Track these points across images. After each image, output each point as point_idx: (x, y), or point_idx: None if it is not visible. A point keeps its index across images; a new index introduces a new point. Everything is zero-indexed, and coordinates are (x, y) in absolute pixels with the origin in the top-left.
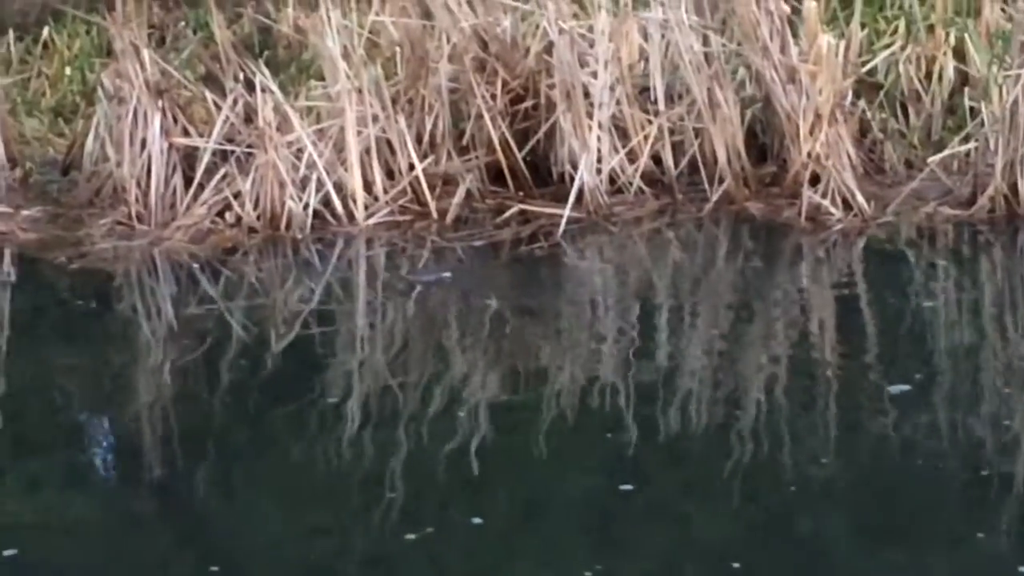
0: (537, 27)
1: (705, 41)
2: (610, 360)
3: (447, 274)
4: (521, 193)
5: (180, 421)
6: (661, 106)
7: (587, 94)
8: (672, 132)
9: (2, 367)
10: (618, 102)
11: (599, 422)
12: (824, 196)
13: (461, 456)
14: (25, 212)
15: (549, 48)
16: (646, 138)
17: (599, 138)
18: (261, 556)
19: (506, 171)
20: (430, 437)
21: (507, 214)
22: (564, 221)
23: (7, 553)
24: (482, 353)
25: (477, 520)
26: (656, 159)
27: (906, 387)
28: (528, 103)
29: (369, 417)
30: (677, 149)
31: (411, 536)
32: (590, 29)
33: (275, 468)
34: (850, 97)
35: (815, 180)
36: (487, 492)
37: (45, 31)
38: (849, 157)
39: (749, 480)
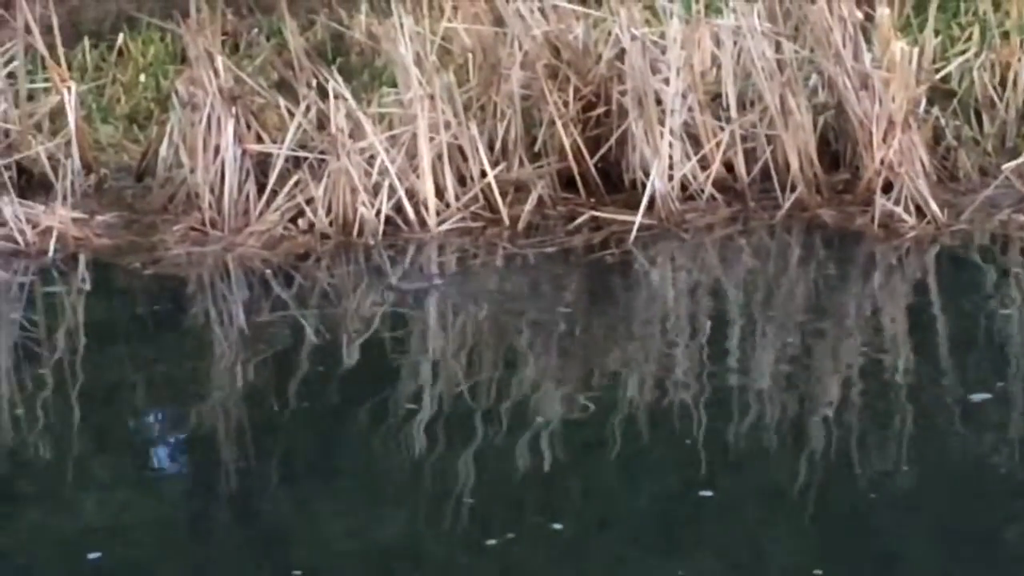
0: (609, 34)
1: (778, 48)
2: (683, 367)
3: (438, 281)
4: (593, 200)
5: (254, 426)
6: (733, 113)
7: (659, 101)
8: (744, 139)
9: (78, 372)
10: (690, 109)
11: (674, 428)
12: (897, 203)
13: (538, 461)
14: (100, 218)
15: (621, 55)
16: (718, 145)
17: (671, 145)
18: (340, 561)
19: (578, 178)
20: (506, 442)
21: (579, 221)
22: (635, 228)
23: (92, 556)
24: (552, 359)
25: (557, 525)
26: (728, 166)
27: (987, 395)
28: (600, 110)
29: (443, 422)
30: (749, 156)
31: (491, 542)
32: (662, 36)
33: (350, 473)
34: (923, 104)
35: (888, 187)
36: (566, 497)
37: (120, 38)
38: (922, 164)
39: (829, 487)
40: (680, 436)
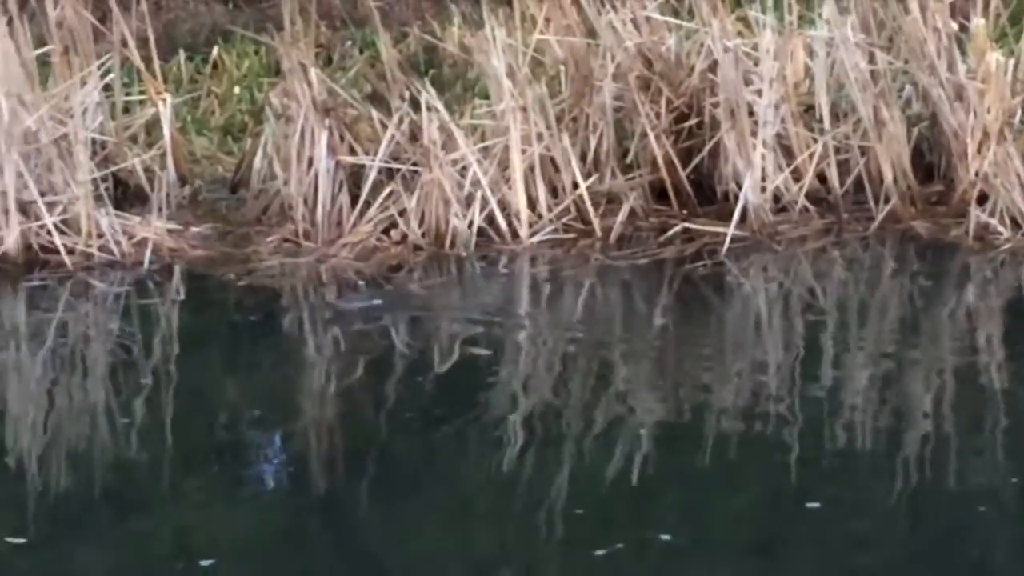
0: (701, 45)
1: (871, 59)
2: (777, 379)
3: (377, 301)
4: (685, 211)
5: (349, 436)
6: (826, 124)
7: (751, 112)
8: (837, 150)
9: (173, 383)
10: (783, 120)
11: (771, 441)
12: (992, 215)
13: (638, 473)
14: (194, 229)
15: (713, 66)
16: (811, 156)
17: (763, 156)
18: (447, 573)
19: (670, 189)
20: (605, 453)
21: (671, 232)
22: (728, 240)
23: (204, 563)
24: (646, 372)
25: (665, 536)
26: (821, 178)
27: None
28: (692, 121)
29: (539, 434)
30: (842, 168)
31: (600, 552)
32: (755, 47)
33: (448, 484)
34: (1019, 115)
35: (983, 199)
36: (671, 508)
37: (215, 51)
38: (1018, 176)
39: (932, 500)
40: (778, 448)
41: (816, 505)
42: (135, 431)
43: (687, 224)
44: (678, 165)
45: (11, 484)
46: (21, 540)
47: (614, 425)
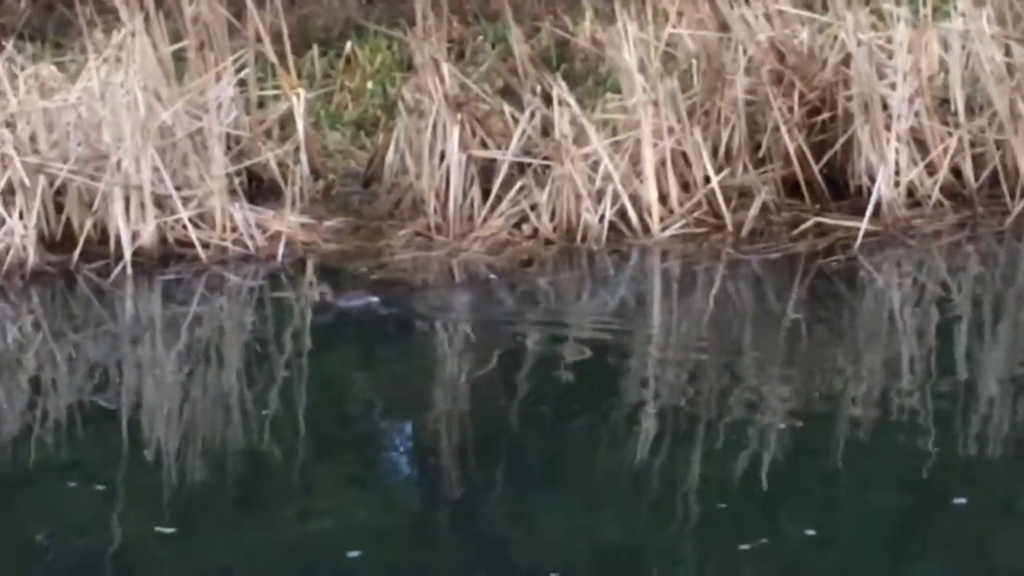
0: (835, 39)
1: (1007, 51)
2: (912, 374)
3: (374, 299)
4: (817, 206)
5: (481, 429)
6: (961, 118)
7: (885, 106)
8: (973, 144)
9: (306, 376)
10: (917, 114)
11: (908, 435)
12: None
13: (781, 468)
14: (327, 223)
15: (847, 60)
16: (945, 150)
17: (897, 150)
18: (591, 567)
19: (802, 183)
20: (741, 448)
21: (803, 227)
22: (861, 234)
23: (351, 554)
24: (779, 366)
25: (810, 531)
26: (956, 172)
27: None
28: (825, 115)
29: (671, 427)
30: (978, 161)
31: (744, 547)
32: (889, 40)
33: (584, 478)
34: None
35: None
36: (816, 503)
37: (348, 46)
38: None
39: None
40: (917, 444)
41: (962, 501)
42: (273, 423)
43: (819, 218)
44: (811, 159)
45: (154, 475)
46: (170, 530)
47: (749, 420)
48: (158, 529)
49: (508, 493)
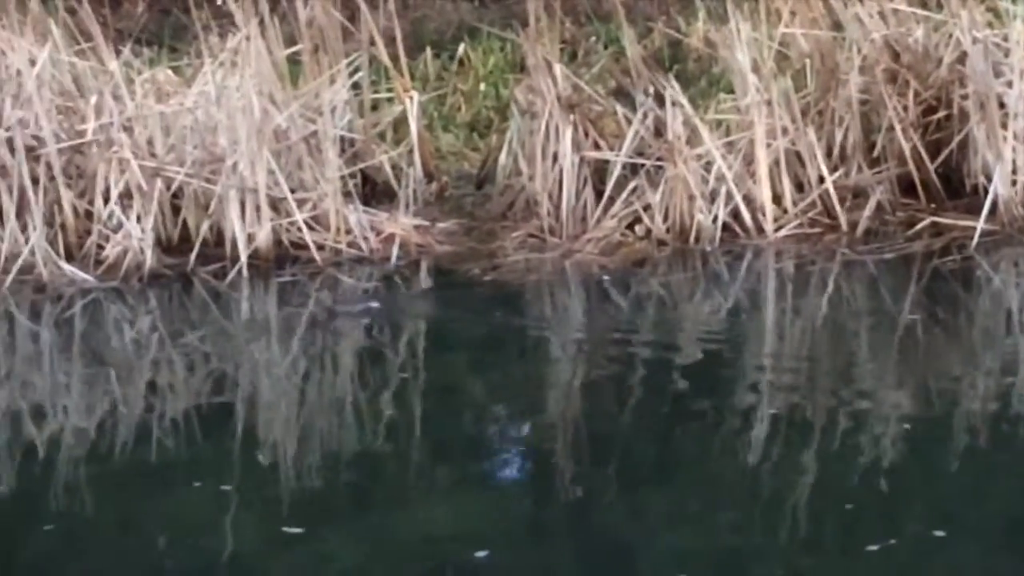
0: (950, 37)
1: None
2: None
3: (375, 304)
4: (933, 205)
5: (594, 431)
6: None
7: (1002, 104)
8: None
9: (421, 377)
10: None
11: None
12: None
13: (905, 468)
14: (441, 225)
15: (962, 58)
16: None
17: (1014, 149)
18: (712, 569)
19: (917, 183)
20: (860, 449)
21: (919, 227)
22: (977, 234)
23: (479, 554)
24: (896, 366)
25: (940, 532)
26: None
27: None
28: (940, 114)
29: (792, 428)
30: None
31: (873, 547)
32: (1005, 38)
33: (701, 480)
34: None
35: None
36: (943, 504)
37: (461, 48)
38: None
39: None
40: None
41: None
42: (390, 424)
43: (935, 218)
44: (926, 158)
45: (276, 476)
46: (297, 530)
47: (867, 421)
48: (285, 529)
49: (628, 494)
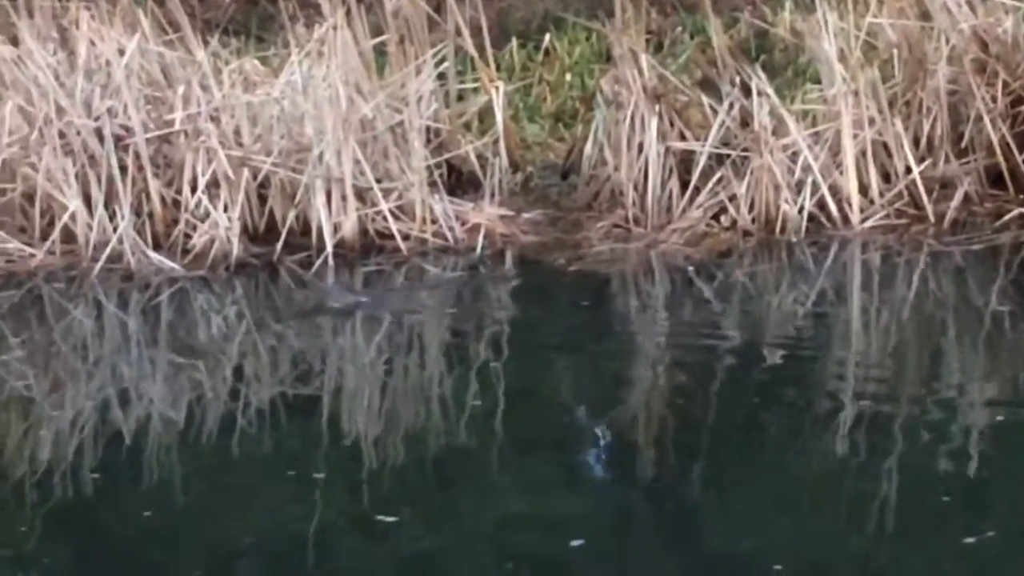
0: None
1: None
2: None
3: (364, 299)
4: (1021, 196)
5: (677, 422)
6: None
7: None
8: None
9: (506, 367)
10: None
11: None
12: None
13: (997, 461)
14: (526, 215)
15: None
16: None
17: None
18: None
19: (1006, 174)
20: (951, 441)
21: (1006, 218)
22: None
23: (574, 543)
24: (983, 357)
25: None
26: None
27: None
28: None
29: (880, 420)
30: None
31: (969, 540)
32: None
33: (792, 474)
34: None
35: None
36: None
37: (546, 38)
38: None
39: None
40: None
41: None
42: (477, 414)
43: (1023, 209)
44: (1014, 149)
45: (366, 463)
46: (391, 518)
47: (956, 413)
48: (380, 517)
49: (718, 485)
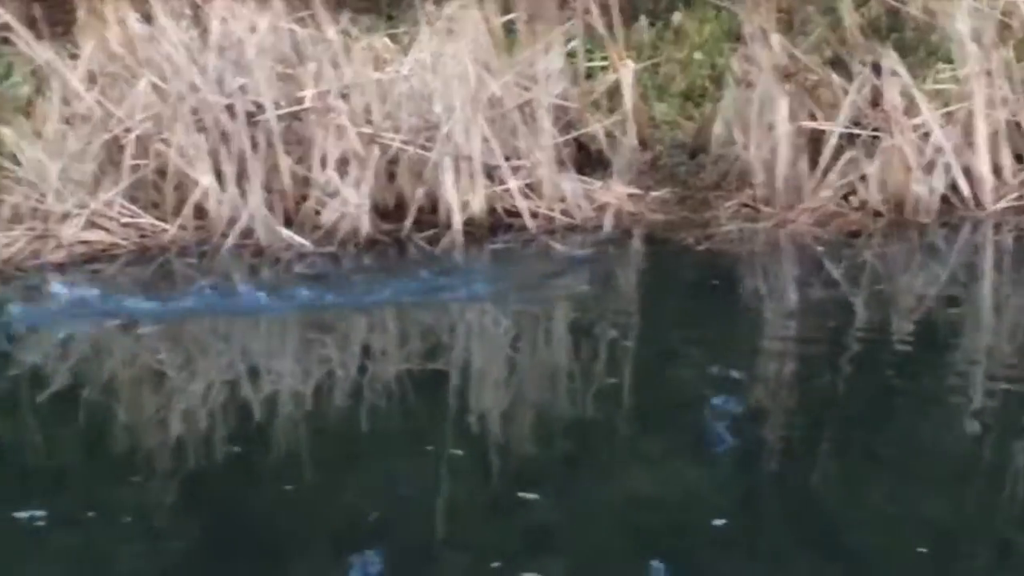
0: None
1: None
2: None
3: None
4: None
5: (806, 401)
6: None
7: None
8: None
9: (634, 345)
10: None
11: None
12: None
13: None
14: (654, 194)
15: None
16: None
17: None
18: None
19: None
20: None
21: None
22: None
23: (716, 522)
24: None
25: None
26: None
27: None
28: None
29: (1010, 405)
30: None
31: None
32: None
33: (922, 456)
34: None
35: None
36: None
37: (676, 16)
38: None
39: None
40: None
41: None
42: (613, 392)
43: None
44: None
45: (503, 441)
46: (532, 495)
47: None
48: (521, 495)
49: (854, 467)
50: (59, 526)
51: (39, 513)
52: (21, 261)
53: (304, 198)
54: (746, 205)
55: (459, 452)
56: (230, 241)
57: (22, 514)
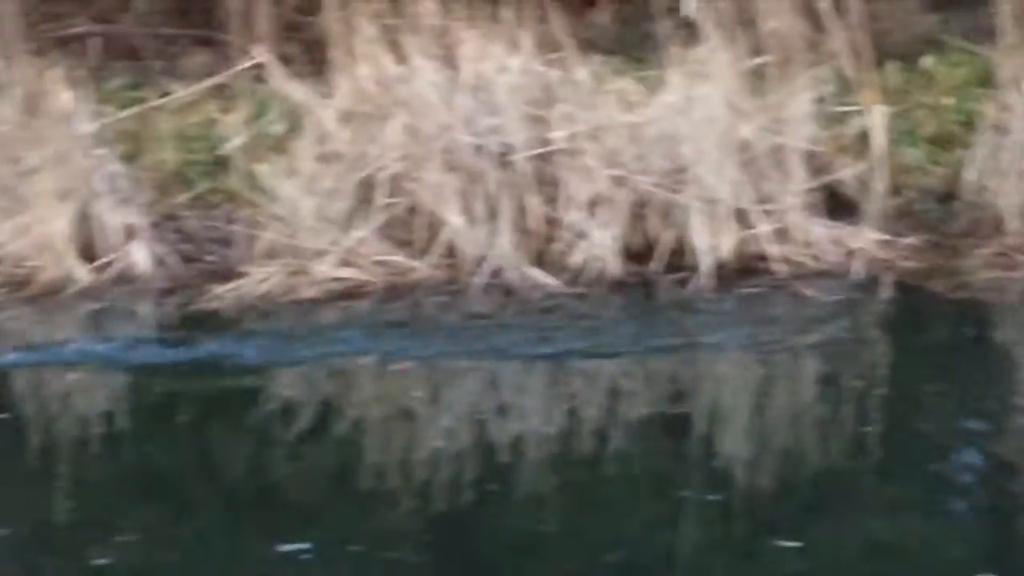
0: None
1: None
2: None
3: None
4: None
5: None
6: None
7: None
8: None
9: (878, 395)
10: None
11: None
12: None
13: None
14: (905, 240)
15: None
16: None
17: None
18: None
19: None
20: None
21: None
22: None
23: (789, 543)
24: None
25: None
26: None
27: None
28: None
29: None
30: None
31: None
32: None
33: None
34: None
35: None
36: None
37: (926, 60)
38: None
39: None
40: None
41: None
42: (862, 439)
43: None
44: None
45: (759, 486)
46: (795, 543)
47: None
48: (774, 542)
49: None
50: (322, 560)
51: (303, 546)
52: (276, 297)
53: (552, 239)
54: (1000, 254)
55: (708, 497)
56: (478, 280)
57: (287, 547)
